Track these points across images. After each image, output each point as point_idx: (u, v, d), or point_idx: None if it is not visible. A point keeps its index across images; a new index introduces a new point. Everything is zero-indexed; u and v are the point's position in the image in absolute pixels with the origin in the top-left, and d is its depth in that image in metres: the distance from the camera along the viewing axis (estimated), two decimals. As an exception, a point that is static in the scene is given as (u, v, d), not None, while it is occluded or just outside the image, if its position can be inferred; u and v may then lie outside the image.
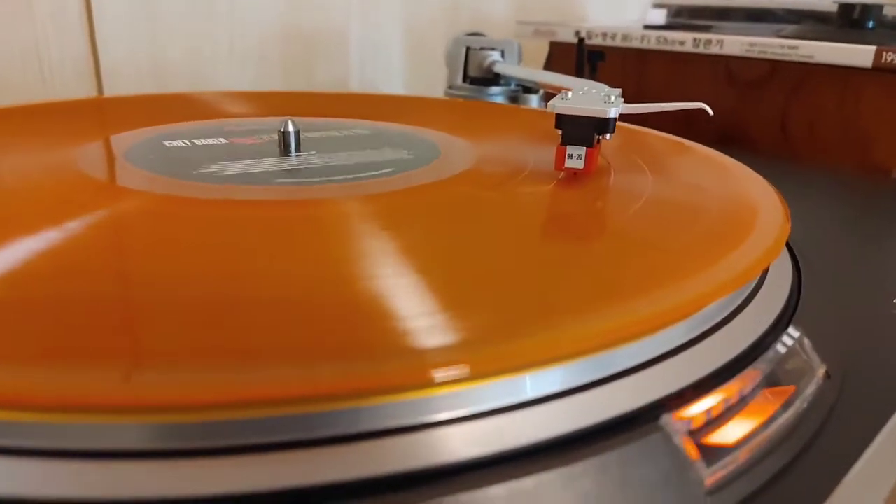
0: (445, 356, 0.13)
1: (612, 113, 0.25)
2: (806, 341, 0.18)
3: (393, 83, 0.61)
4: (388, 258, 0.18)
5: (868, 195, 0.36)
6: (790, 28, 0.50)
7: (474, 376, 0.13)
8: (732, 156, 0.30)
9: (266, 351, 0.13)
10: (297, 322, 0.14)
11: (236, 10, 0.50)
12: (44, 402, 0.12)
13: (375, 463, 0.12)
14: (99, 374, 0.12)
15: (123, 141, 0.30)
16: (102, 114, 0.37)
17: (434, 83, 0.62)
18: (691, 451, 0.14)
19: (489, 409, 0.13)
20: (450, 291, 0.16)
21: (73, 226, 0.19)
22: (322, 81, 0.56)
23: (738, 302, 0.19)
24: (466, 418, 0.13)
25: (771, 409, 0.16)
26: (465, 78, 0.47)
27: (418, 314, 0.15)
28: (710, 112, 0.27)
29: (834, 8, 0.49)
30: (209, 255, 0.18)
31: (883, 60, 0.39)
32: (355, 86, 0.58)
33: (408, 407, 0.13)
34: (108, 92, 0.46)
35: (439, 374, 0.13)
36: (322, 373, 0.13)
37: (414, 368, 0.13)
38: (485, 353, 0.13)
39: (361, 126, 0.35)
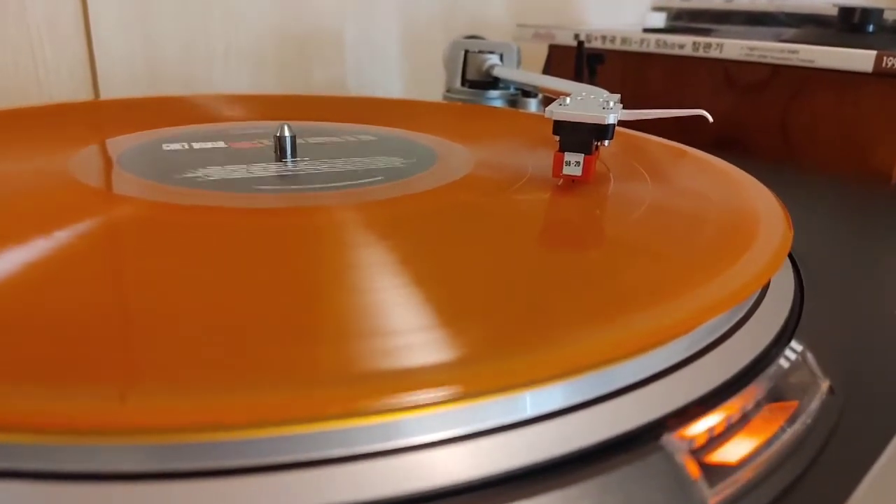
0: (440, 375, 0.13)
1: (611, 119, 0.24)
2: (809, 355, 0.18)
3: (390, 86, 0.60)
4: (381, 268, 0.18)
5: (869, 202, 0.35)
6: (790, 32, 0.50)
7: (470, 395, 0.13)
8: (731, 160, 0.30)
9: (254, 367, 0.13)
10: (282, 337, 0.14)
11: (232, 12, 0.50)
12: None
13: (371, 485, 0.12)
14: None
15: (120, 144, 0.30)
16: (99, 117, 0.37)
17: (432, 86, 0.61)
18: (693, 470, 0.14)
19: (486, 429, 0.13)
20: (444, 305, 0.16)
21: (63, 234, 0.19)
22: (319, 84, 0.56)
23: (740, 315, 0.19)
24: (462, 438, 0.13)
25: (774, 426, 0.15)
26: (464, 81, 0.47)
27: (411, 329, 0.14)
28: (710, 119, 0.27)
29: (834, 12, 0.49)
30: (194, 265, 0.17)
31: (884, 65, 0.39)
32: (352, 88, 0.58)
33: (403, 427, 0.13)
34: (104, 94, 0.45)
35: (434, 394, 0.12)
36: (313, 392, 0.12)
37: (407, 387, 0.12)
38: (481, 372, 0.13)
39: (358, 130, 0.35)
